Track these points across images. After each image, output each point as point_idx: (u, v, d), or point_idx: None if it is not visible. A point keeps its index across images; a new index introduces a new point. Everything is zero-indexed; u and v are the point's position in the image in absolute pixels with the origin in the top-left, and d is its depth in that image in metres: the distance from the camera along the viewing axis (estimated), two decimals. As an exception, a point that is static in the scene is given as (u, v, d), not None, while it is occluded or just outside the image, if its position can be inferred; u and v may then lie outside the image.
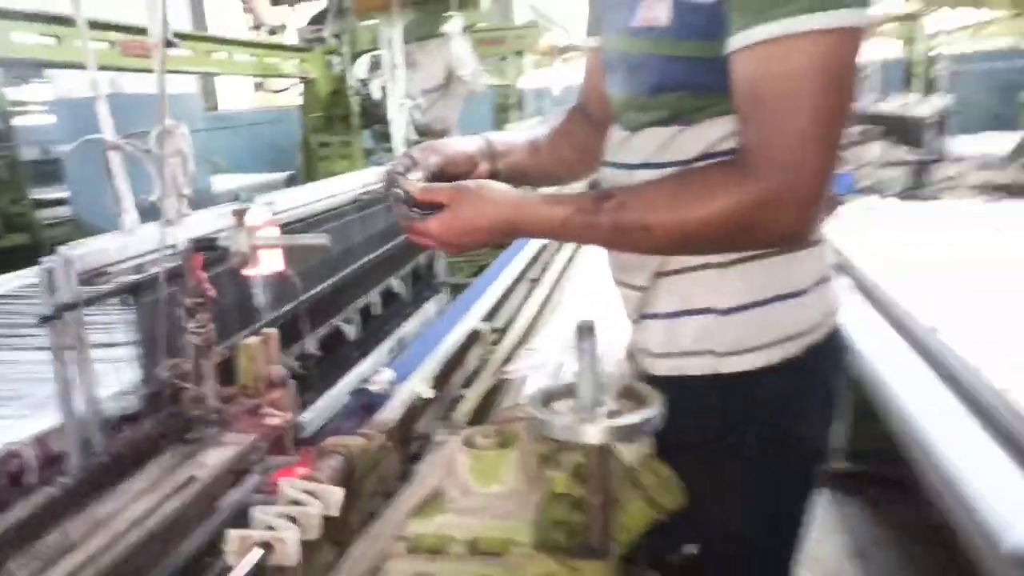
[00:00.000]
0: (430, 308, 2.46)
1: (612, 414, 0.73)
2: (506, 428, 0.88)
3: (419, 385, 1.18)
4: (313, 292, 1.66)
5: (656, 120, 0.97)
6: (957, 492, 1.25)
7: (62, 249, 1.10)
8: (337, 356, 1.71)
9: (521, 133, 1.26)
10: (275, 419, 0.89)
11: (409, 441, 1.12)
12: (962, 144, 3.99)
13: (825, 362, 1.04)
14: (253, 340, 0.93)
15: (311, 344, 1.58)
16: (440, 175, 1.02)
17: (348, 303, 1.84)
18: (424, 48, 2.92)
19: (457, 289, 2.81)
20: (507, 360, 1.35)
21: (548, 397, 0.76)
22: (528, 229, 0.92)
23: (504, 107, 5.26)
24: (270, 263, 0.90)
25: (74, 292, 1.09)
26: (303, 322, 1.45)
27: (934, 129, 3.82)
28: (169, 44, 1.28)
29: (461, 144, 1.12)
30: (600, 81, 1.18)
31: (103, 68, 2.06)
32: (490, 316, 1.65)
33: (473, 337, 1.49)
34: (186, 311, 0.85)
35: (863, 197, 2.90)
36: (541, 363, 1.25)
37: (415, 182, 0.90)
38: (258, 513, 0.75)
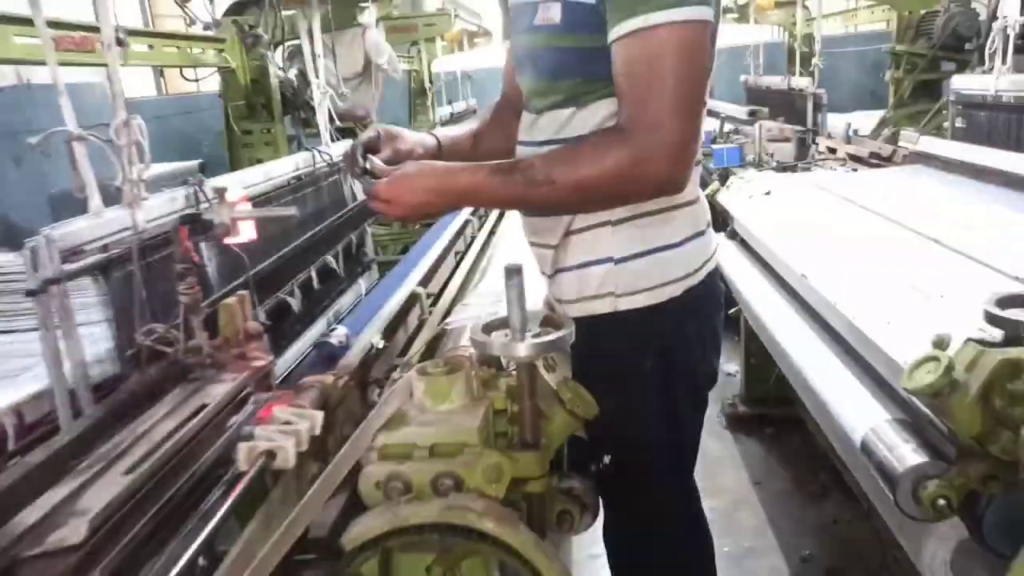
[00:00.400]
0: (362, 283, 2.63)
1: (536, 335, 0.94)
2: (452, 359, 1.09)
3: (373, 337, 1.37)
4: (260, 268, 1.81)
5: (556, 103, 1.20)
6: (829, 417, 1.53)
7: (44, 230, 1.23)
8: (284, 324, 1.87)
9: (463, 127, 1.47)
10: (259, 361, 1.06)
11: (367, 384, 1.31)
12: (837, 120, 4.43)
13: (703, 300, 1.30)
14: (231, 300, 1.10)
15: (261, 314, 1.74)
16: (396, 160, 1.21)
17: (290, 278, 2.00)
18: (341, 38, 3.06)
19: (385, 266, 2.98)
20: (444, 316, 1.56)
21: (488, 328, 0.97)
22: (459, 189, 1.13)
23: (420, 91, 5.41)
24: (246, 233, 1.06)
25: (56, 268, 1.23)
26: (254, 295, 1.61)
27: (813, 105, 4.21)
28: (120, 43, 1.41)
29: (418, 137, 1.32)
30: (515, 76, 1.39)
31: (43, 63, 2.10)
32: (424, 283, 1.85)
33: (412, 299, 1.69)
34: (177, 275, 1.01)
35: (751, 170, 3.22)
36: (475, 316, 1.46)
37: (376, 160, 1.10)
38: (259, 430, 0.93)
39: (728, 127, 4.42)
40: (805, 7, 4.90)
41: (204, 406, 0.93)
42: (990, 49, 2.84)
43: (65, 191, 4.28)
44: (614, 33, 1.05)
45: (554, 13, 1.15)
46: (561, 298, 1.24)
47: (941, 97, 4.18)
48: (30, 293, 1.21)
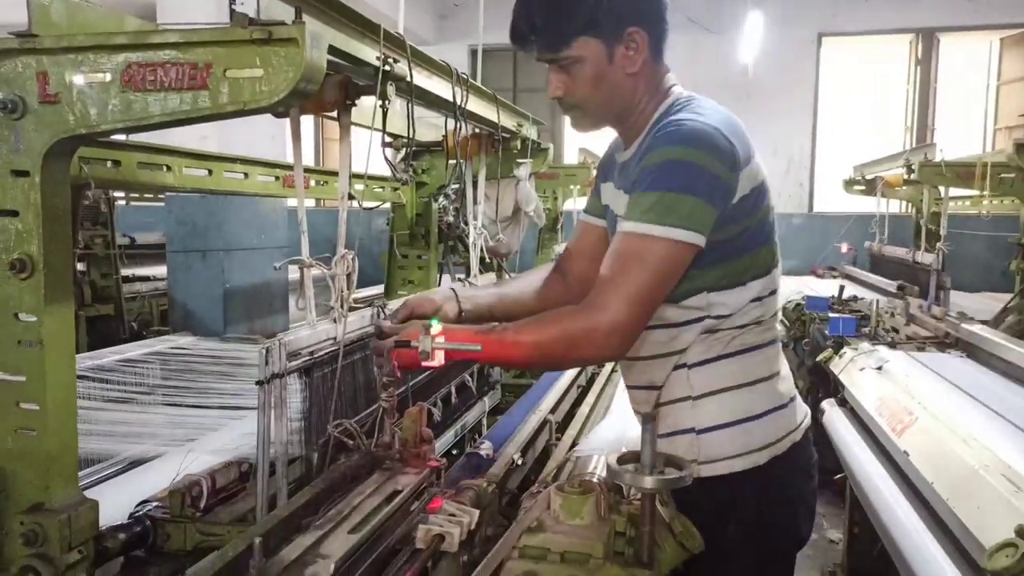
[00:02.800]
0: (487, 400, 2.93)
1: (660, 472, 1.17)
2: (585, 483, 1.32)
3: (514, 453, 1.63)
4: (414, 382, 2.13)
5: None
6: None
7: (280, 335, 1.59)
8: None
9: (489, 287, 1.75)
10: (433, 462, 1.34)
11: (504, 492, 1.55)
12: (962, 300, 4.47)
13: (789, 469, 1.45)
14: (412, 409, 1.40)
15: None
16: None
17: (436, 391, 2.31)
18: (495, 185, 3.51)
19: (506, 387, 3.29)
20: (572, 444, 1.81)
21: (621, 460, 1.20)
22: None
23: (551, 227, 5.87)
24: (438, 359, 1.37)
25: (283, 366, 1.57)
26: (408, 403, 1.91)
27: (936, 283, 4.29)
28: (351, 197, 1.80)
29: (430, 301, 1.57)
30: (585, 247, 1.67)
31: (267, 195, 2.64)
32: (553, 411, 2.11)
33: (543, 424, 1.95)
34: (382, 386, 1.32)
35: (865, 342, 3.32)
36: (597, 449, 1.69)
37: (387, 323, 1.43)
38: (432, 517, 1.19)
39: (848, 294, 4.53)
40: (934, 187, 5.05)
41: (397, 492, 1.20)
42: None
43: (234, 288, 4.88)
44: (623, 223, 1.30)
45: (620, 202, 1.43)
46: None
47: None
48: (260, 383, 1.55)
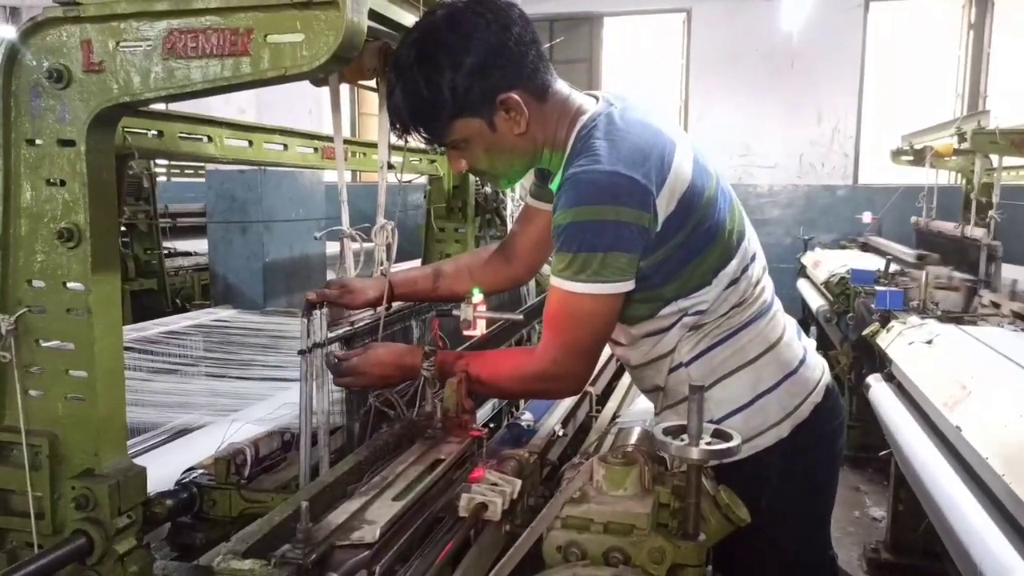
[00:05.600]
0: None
1: (708, 443, 1.14)
2: (629, 453, 1.30)
3: (555, 424, 1.62)
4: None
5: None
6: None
7: (319, 309, 1.58)
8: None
9: (425, 268, 1.77)
10: (475, 432, 1.33)
11: (544, 463, 1.55)
12: (1015, 273, 4.31)
13: (812, 433, 1.45)
14: (454, 379, 1.39)
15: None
16: (349, 303, 1.60)
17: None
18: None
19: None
20: (612, 417, 1.80)
21: (667, 432, 1.18)
22: (413, 370, 1.44)
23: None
24: (479, 328, 1.36)
25: (323, 336, 1.57)
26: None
27: (987, 256, 4.15)
28: (390, 167, 1.79)
29: (369, 282, 1.63)
30: (531, 232, 1.68)
31: (308, 167, 2.65)
32: (592, 383, 2.10)
33: (583, 396, 1.94)
34: (424, 355, 1.31)
35: (913, 316, 3.23)
36: (639, 420, 1.67)
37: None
38: (474, 486, 1.18)
39: (894, 268, 4.42)
40: (986, 157, 4.87)
41: (439, 461, 1.20)
42: None
43: (274, 261, 4.93)
44: (551, 276, 1.33)
45: None
46: None
47: None
48: (301, 353, 1.55)
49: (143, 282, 5.65)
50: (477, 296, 1.31)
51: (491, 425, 2.17)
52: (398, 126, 1.40)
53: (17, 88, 1.39)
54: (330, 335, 1.58)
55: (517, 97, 1.32)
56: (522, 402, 2.00)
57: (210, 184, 4.75)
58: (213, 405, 2.06)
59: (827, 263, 5.29)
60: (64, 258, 1.41)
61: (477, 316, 1.30)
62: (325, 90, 1.71)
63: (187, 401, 2.03)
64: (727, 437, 1.17)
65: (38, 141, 1.40)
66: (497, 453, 1.37)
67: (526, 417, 1.67)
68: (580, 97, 1.41)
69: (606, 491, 1.26)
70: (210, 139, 2.05)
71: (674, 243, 1.33)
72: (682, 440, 1.14)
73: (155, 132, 1.87)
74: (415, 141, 1.44)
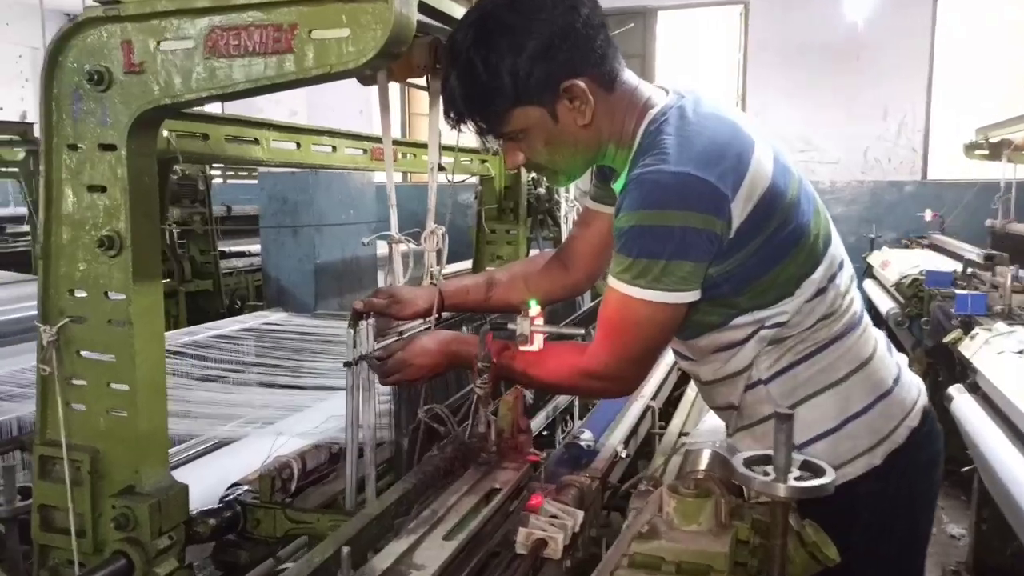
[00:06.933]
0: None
1: (797, 479, 1.02)
2: (702, 483, 1.18)
3: (617, 444, 1.50)
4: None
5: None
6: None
7: (368, 320, 1.50)
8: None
9: (477, 276, 1.65)
10: (533, 456, 1.23)
11: (606, 487, 1.43)
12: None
13: (909, 461, 1.30)
14: (510, 396, 1.28)
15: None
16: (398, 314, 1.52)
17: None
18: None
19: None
20: (679, 436, 1.67)
21: (748, 463, 1.05)
22: (462, 357, 1.36)
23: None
24: (536, 343, 1.26)
25: (371, 347, 1.49)
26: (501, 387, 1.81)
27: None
28: (441, 168, 1.70)
29: (419, 291, 1.55)
30: (591, 236, 1.55)
31: (355, 168, 2.58)
32: (654, 396, 1.97)
33: (645, 411, 1.81)
34: (477, 371, 1.21)
35: (1000, 322, 3.01)
36: (709, 441, 1.54)
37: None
38: (533, 518, 1.08)
39: (933, 264, 4.17)
40: (1072, 149, 4.55)
41: (495, 490, 1.10)
42: None
43: (325, 263, 4.92)
44: (609, 276, 1.22)
45: None
46: None
47: None
48: (347, 365, 1.47)
49: (199, 283, 5.71)
50: (534, 308, 1.21)
51: (544, 432, 2.06)
52: (452, 115, 1.30)
53: (59, 92, 1.35)
54: (377, 346, 1.50)
55: (583, 85, 1.21)
56: (578, 417, 1.89)
57: (262, 186, 4.75)
58: (259, 416, 2.01)
59: (897, 263, 5.02)
60: (105, 267, 1.36)
61: (534, 331, 1.19)
62: (375, 90, 1.63)
63: (231, 412, 1.97)
64: (818, 471, 1.04)
65: (80, 146, 1.35)
66: (556, 476, 1.26)
67: (585, 436, 1.56)
68: (649, 89, 1.29)
69: (678, 525, 1.14)
70: (257, 142, 2.00)
71: (750, 249, 1.20)
72: (767, 474, 1.02)
73: (201, 135, 1.82)
74: (470, 131, 1.33)
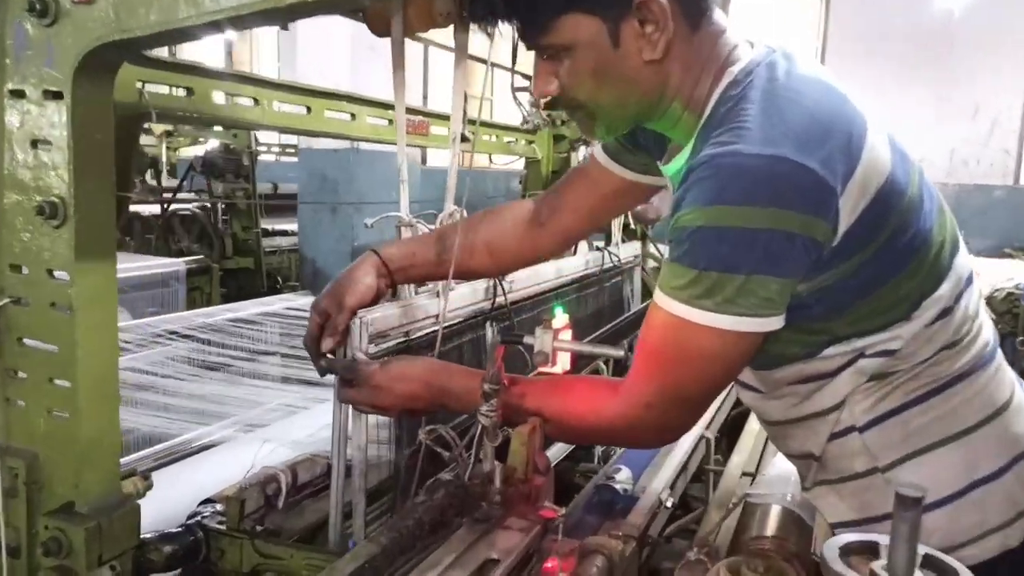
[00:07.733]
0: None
1: (918, 584, 0.71)
2: (773, 564, 0.88)
3: (662, 491, 1.20)
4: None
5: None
6: None
7: (360, 313, 1.24)
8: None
9: (425, 236, 1.34)
10: (549, 511, 0.94)
11: (644, 544, 1.14)
12: None
13: None
14: (525, 427, 1.00)
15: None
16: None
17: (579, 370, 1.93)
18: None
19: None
20: (743, 474, 1.36)
21: (846, 551, 0.75)
22: (449, 394, 1.06)
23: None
24: (561, 364, 0.97)
25: (364, 350, 1.22)
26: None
27: None
28: (464, 139, 1.42)
29: (359, 287, 1.21)
30: (591, 199, 1.21)
31: (376, 140, 2.32)
32: (708, 424, 1.65)
33: (697, 442, 1.50)
34: (483, 395, 0.94)
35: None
36: (780, 486, 1.23)
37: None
38: (543, 603, 0.80)
39: None
40: None
41: (491, 561, 0.82)
42: None
43: (364, 245, 4.72)
44: (659, 297, 0.91)
45: None
46: None
47: None
48: (321, 373, 1.22)
49: (239, 260, 5.59)
50: (559, 319, 0.92)
51: (566, 463, 1.75)
52: (486, 14, 0.98)
53: (2, 28, 1.11)
54: (372, 349, 1.24)
55: (665, 4, 0.91)
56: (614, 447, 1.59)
57: (302, 163, 4.57)
58: (250, 417, 1.77)
59: (987, 275, 4.55)
60: (48, 240, 1.12)
61: (558, 347, 0.90)
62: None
63: (223, 411, 1.74)
64: (946, 571, 0.73)
65: (25, 91, 1.12)
66: (581, 527, 0.98)
67: (621, 476, 1.24)
68: (734, 37, 0.98)
69: (738, 621, 0.85)
70: (257, 102, 1.73)
71: (856, 261, 0.89)
72: (874, 574, 0.71)
73: (185, 88, 1.55)
74: (503, 35, 1.02)
